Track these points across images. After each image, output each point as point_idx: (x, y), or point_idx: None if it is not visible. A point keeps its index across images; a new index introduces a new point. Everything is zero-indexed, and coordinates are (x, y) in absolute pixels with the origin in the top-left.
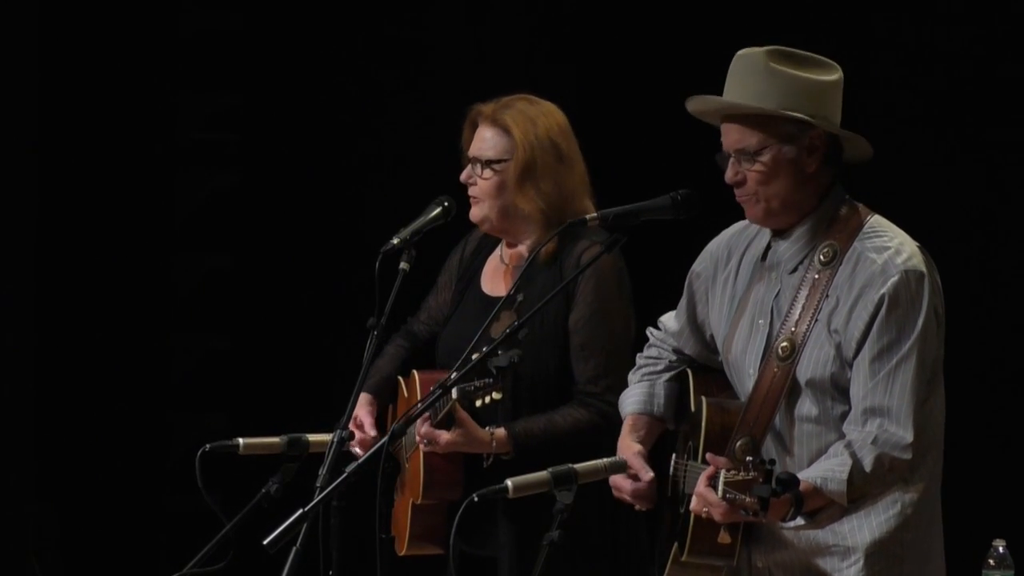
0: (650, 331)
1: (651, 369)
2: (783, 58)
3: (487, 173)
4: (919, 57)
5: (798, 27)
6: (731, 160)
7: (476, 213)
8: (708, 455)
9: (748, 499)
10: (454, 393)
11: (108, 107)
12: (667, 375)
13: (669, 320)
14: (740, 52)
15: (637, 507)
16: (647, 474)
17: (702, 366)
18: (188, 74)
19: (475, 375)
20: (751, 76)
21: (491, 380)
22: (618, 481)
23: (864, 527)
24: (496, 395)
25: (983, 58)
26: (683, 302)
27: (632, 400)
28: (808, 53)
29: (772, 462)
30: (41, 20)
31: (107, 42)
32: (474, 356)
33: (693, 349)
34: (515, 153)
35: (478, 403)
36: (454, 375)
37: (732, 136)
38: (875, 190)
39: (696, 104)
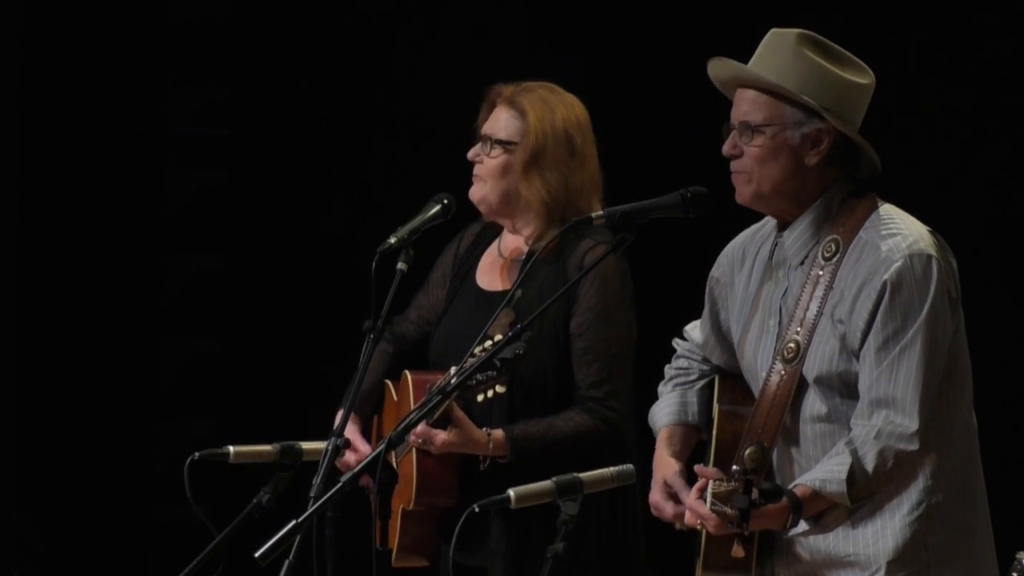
0: (676, 342)
1: (683, 379)
2: (814, 45)
3: (495, 152)
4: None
5: (820, 22)
6: (733, 131)
7: (476, 192)
8: (696, 467)
9: (729, 511)
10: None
11: (93, 100)
12: (700, 383)
13: (694, 331)
14: (775, 29)
15: (678, 527)
16: (688, 497)
17: (732, 373)
18: (176, 66)
19: (477, 370)
20: (776, 53)
21: (494, 373)
22: (659, 503)
23: (886, 532)
24: (500, 388)
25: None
26: (705, 311)
27: (666, 411)
28: (843, 50)
29: (753, 472)
30: (26, 10)
31: (93, 33)
32: (475, 351)
33: (720, 358)
34: (526, 138)
35: (480, 397)
36: (454, 380)
37: (741, 107)
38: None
39: (715, 67)
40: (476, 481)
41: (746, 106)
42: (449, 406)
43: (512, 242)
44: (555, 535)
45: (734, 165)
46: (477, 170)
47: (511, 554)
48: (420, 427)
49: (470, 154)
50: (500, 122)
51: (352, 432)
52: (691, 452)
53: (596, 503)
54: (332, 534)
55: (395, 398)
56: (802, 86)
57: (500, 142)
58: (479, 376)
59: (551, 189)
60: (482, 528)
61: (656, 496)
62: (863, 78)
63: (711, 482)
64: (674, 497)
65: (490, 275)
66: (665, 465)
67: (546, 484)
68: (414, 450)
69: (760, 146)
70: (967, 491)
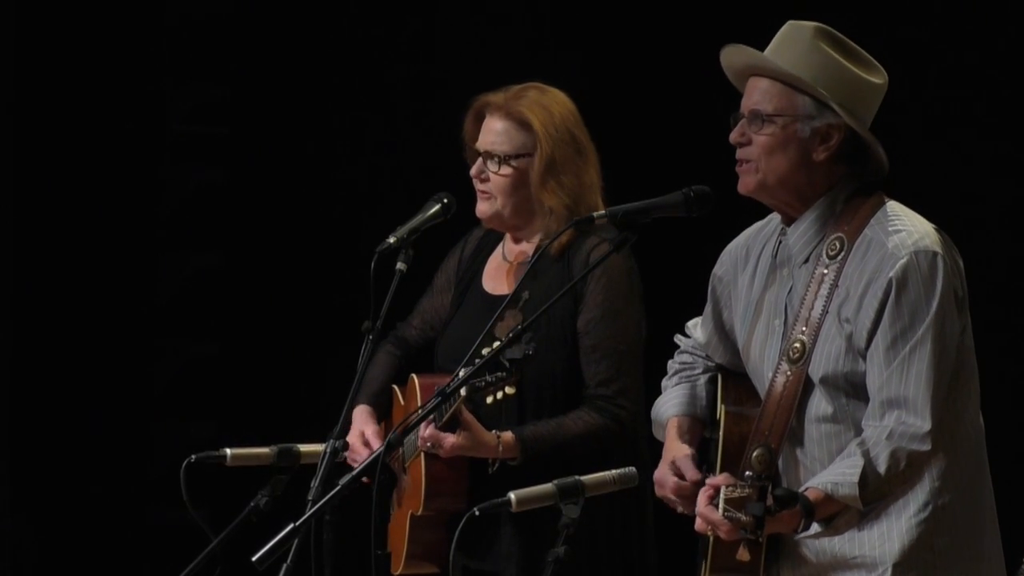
0: (678, 338)
1: (688, 372)
2: (831, 40)
3: (504, 169)
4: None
5: (825, 19)
6: (742, 120)
7: (485, 209)
8: (707, 479)
9: (744, 518)
10: (463, 390)
11: (90, 98)
12: (704, 378)
13: (696, 328)
14: (792, 21)
15: (679, 509)
16: (694, 474)
17: (735, 371)
18: (175, 63)
19: (485, 370)
20: (792, 44)
21: (504, 374)
22: (662, 476)
23: (892, 534)
24: (509, 390)
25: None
26: (708, 309)
27: (675, 402)
28: (859, 48)
29: (767, 478)
30: (22, 7)
31: (91, 30)
32: (483, 352)
33: (723, 357)
34: (538, 147)
35: (489, 399)
36: (460, 376)
37: (753, 95)
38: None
39: (728, 55)
40: (486, 484)
41: (758, 95)
42: (458, 408)
43: (517, 246)
44: (556, 538)
45: (740, 154)
46: (484, 187)
47: (523, 559)
48: (428, 431)
49: (473, 172)
50: (500, 135)
51: (371, 431)
52: (698, 445)
53: (609, 507)
54: (330, 537)
55: (402, 402)
56: (816, 79)
57: (508, 157)
58: (488, 378)
59: (570, 192)
60: (493, 533)
61: (662, 470)
62: (877, 77)
63: (723, 487)
64: (679, 475)
65: (496, 280)
66: (676, 448)
67: (547, 487)
68: (422, 454)
69: (770, 135)
70: (974, 493)
